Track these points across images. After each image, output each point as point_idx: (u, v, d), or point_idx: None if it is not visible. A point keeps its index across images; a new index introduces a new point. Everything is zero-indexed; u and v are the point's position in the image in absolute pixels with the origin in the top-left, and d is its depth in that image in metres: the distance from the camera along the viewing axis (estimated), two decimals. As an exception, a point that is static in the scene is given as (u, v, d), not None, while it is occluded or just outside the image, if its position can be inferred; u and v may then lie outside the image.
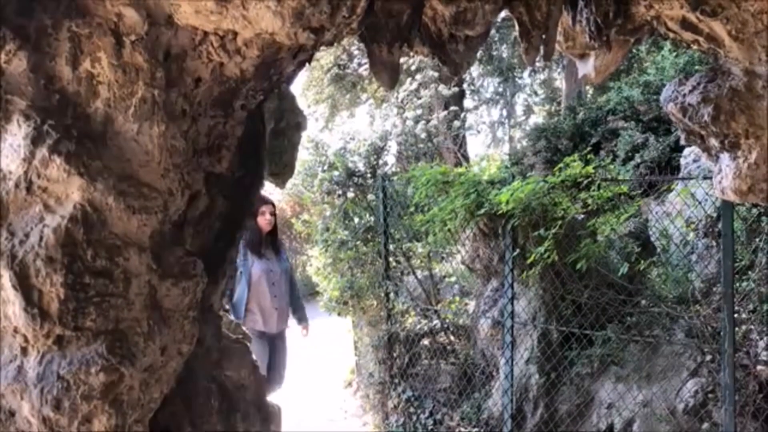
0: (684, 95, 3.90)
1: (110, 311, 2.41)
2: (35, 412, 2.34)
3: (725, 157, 3.86)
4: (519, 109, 22.32)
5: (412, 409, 6.73)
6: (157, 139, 2.48)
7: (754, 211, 5.28)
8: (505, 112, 22.33)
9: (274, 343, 6.45)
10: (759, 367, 4.66)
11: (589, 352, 5.62)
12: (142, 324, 2.52)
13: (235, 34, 2.47)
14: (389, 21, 2.93)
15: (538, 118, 19.20)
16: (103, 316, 2.39)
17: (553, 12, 3.55)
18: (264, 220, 6.18)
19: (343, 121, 17.78)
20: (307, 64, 3.20)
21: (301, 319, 6.80)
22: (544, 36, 3.62)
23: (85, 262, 2.37)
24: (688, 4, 3.45)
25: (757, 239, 5.14)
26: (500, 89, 21.53)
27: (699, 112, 3.78)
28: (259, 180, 3.38)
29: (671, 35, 3.89)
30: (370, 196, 7.74)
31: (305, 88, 17.96)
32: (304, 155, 8.01)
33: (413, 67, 10.47)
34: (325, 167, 7.84)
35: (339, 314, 7.87)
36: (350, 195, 7.81)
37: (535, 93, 22.16)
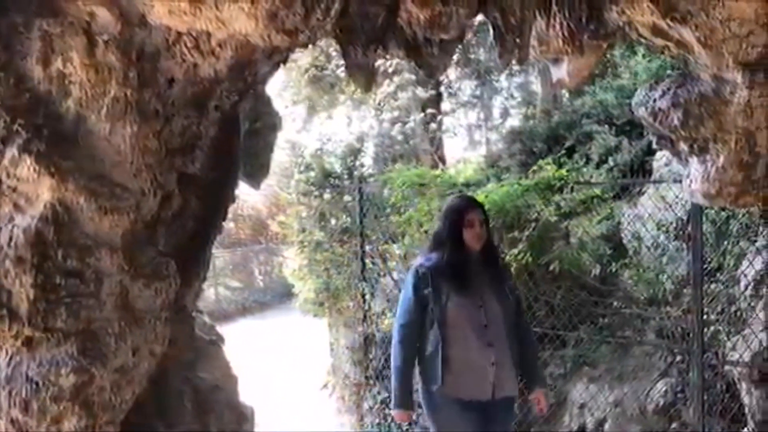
0: (654, 100, 3.96)
1: (81, 312, 2.40)
2: (3, 413, 2.32)
3: (694, 161, 3.93)
4: (496, 112, 22.46)
5: (387, 411, 6.73)
6: (129, 139, 2.48)
7: (723, 214, 5.37)
8: (482, 115, 22.45)
9: (488, 418, 3.88)
10: (727, 367, 4.75)
11: (562, 352, 5.68)
12: (114, 325, 2.51)
13: (209, 34, 2.47)
14: (364, 23, 2.94)
15: (514, 121, 19.33)
16: (73, 317, 2.38)
17: (527, 16, 3.60)
18: (473, 234, 3.84)
19: (320, 122, 17.75)
20: (282, 65, 3.21)
21: (535, 381, 4.17)
22: (518, 40, 3.66)
23: (55, 262, 2.36)
24: (658, 10, 3.52)
25: (726, 242, 5.24)
26: (477, 92, 21.64)
27: (669, 117, 3.85)
28: (234, 181, 3.38)
29: (643, 41, 3.96)
30: (347, 198, 7.75)
31: (282, 89, 17.86)
32: (280, 156, 8.00)
33: (390, 70, 10.51)
34: (302, 168, 7.84)
35: (315, 315, 7.86)
36: (327, 196, 7.81)
37: (512, 96, 22.31)
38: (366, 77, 3.06)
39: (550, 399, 5.04)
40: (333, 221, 7.79)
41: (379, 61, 10.25)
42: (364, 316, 7.32)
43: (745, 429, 4.61)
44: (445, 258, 3.65)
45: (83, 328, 2.40)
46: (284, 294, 10.63)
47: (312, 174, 7.74)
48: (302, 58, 16.69)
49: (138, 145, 2.51)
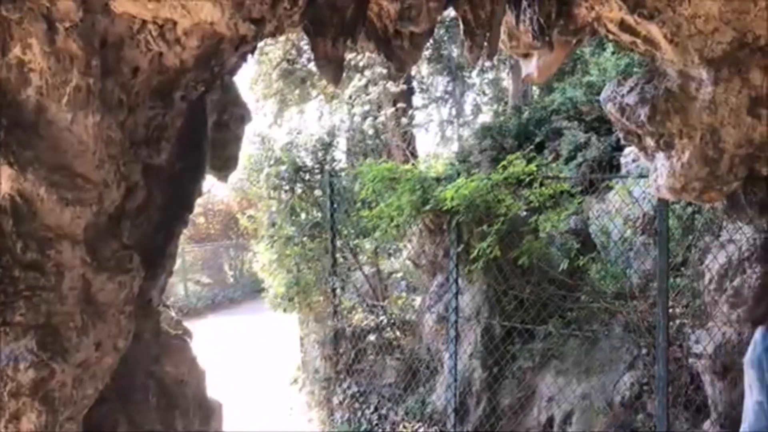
0: (622, 95, 4.00)
1: (41, 305, 2.34)
2: (-40, 410, 2.25)
3: (660, 156, 3.97)
4: (468, 109, 22.54)
5: (357, 405, 6.74)
6: (92, 129, 2.41)
7: (689, 209, 5.46)
8: (454, 111, 22.52)
9: None
10: (691, 360, 4.83)
11: (531, 346, 5.74)
12: (76, 318, 2.45)
13: (175, 23, 2.42)
14: (333, 15, 2.92)
15: (486, 118, 19.43)
16: (33, 311, 2.32)
17: (496, 11, 3.60)
18: None
19: (291, 117, 17.63)
20: (251, 56, 3.16)
21: None
22: (487, 34, 3.67)
23: (14, 254, 2.29)
24: (626, 6, 3.55)
25: (691, 237, 5.33)
26: (449, 88, 21.71)
27: (636, 112, 3.89)
28: (201, 173, 3.33)
29: (611, 37, 3.99)
30: (318, 192, 7.71)
31: (253, 82, 17.72)
32: (250, 150, 7.92)
33: (362, 64, 10.47)
34: (272, 162, 7.77)
35: (285, 311, 7.81)
36: (297, 190, 7.76)
37: (484, 93, 22.42)
38: (335, 69, 3.03)
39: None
40: (303, 216, 7.75)
41: (351, 55, 10.23)
42: (335, 311, 7.31)
43: (708, 420, 4.70)
44: None
45: (43, 322, 2.34)
46: (255, 290, 10.54)
47: (282, 168, 7.68)
48: (273, 51, 16.57)
49: (101, 135, 2.44)
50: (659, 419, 4.73)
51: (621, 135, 4.27)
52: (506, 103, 17.04)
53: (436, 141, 22.21)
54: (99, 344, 2.57)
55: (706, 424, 4.68)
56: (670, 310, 5.06)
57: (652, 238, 5.78)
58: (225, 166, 3.65)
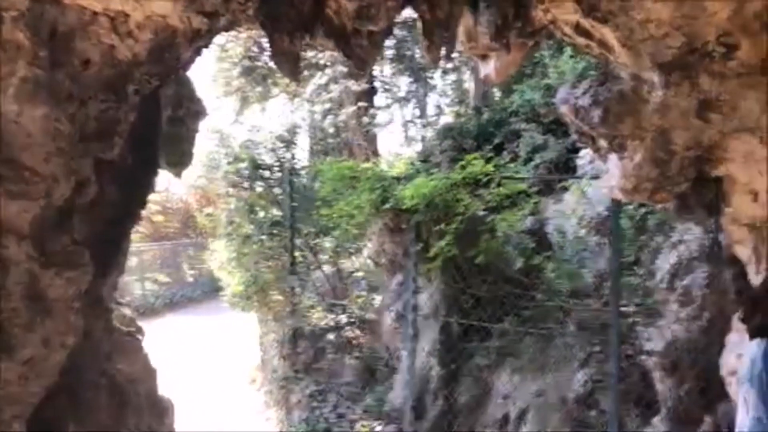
0: (577, 97, 4.07)
1: (-15, 302, 2.28)
2: None
3: (613, 157, 4.05)
4: (431, 109, 22.65)
5: (315, 404, 6.72)
6: (39, 122, 2.36)
7: (642, 210, 5.58)
8: (417, 112, 22.60)
9: None
10: (642, 357, 4.94)
11: (488, 344, 5.80)
12: (22, 315, 2.39)
13: (127, 15, 2.38)
14: (290, 11, 2.91)
15: (448, 119, 19.55)
16: (-24, 307, 2.26)
17: (454, 11, 3.63)
18: None
19: (253, 114, 17.46)
20: (207, 51, 3.13)
21: None
22: (446, 34, 3.70)
23: (-43, 249, 2.24)
24: (581, 10, 3.61)
25: (643, 237, 5.45)
26: (412, 88, 21.78)
27: (590, 114, 3.95)
28: (154, 168, 3.28)
29: (567, 39, 4.06)
30: (277, 190, 7.66)
31: (213, 78, 17.50)
32: (208, 146, 7.84)
33: (322, 61, 10.43)
34: (231, 159, 7.70)
35: (243, 309, 7.75)
36: (257, 188, 7.70)
37: (446, 94, 22.55)
38: (292, 65, 3.02)
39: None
40: (262, 214, 7.69)
41: (312, 53, 10.19)
42: (294, 310, 7.28)
43: (658, 416, 4.81)
44: None
45: (-12, 319, 2.29)
46: (214, 289, 10.43)
47: (242, 166, 7.62)
48: (234, 48, 16.39)
49: (49, 128, 2.39)
50: (611, 415, 4.82)
51: (576, 136, 4.34)
52: (468, 104, 17.16)
53: (400, 141, 22.27)
54: (46, 341, 2.51)
55: (656, 420, 4.79)
56: (623, 309, 5.16)
57: (605, 238, 5.89)
58: (180, 161, 3.60)
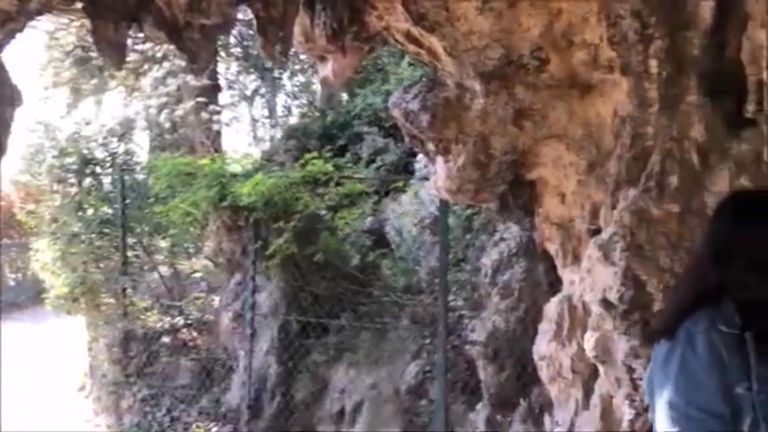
0: (407, 102, 4.26)
1: None
2: None
3: (440, 159, 4.30)
4: (282, 110, 22.52)
5: (148, 408, 6.48)
6: None
7: (469, 210, 5.95)
8: (266, 111, 22.38)
9: None
10: (467, 347, 5.28)
11: (325, 340, 5.92)
12: None
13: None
14: (114, -2, 2.83)
15: (296, 119, 19.56)
16: None
17: (289, 11, 3.69)
18: None
19: (89, 107, 16.41)
20: (28, 37, 2.95)
21: None
22: (281, 33, 3.75)
23: None
24: (411, 18, 3.80)
25: (469, 235, 5.82)
26: (259, 87, 21.53)
27: (419, 118, 4.16)
28: (-39, 159, 3.03)
29: (399, 46, 4.25)
30: (108, 186, 7.30)
31: (42, 68, 16.25)
32: (32, 139, 7.29)
33: (160, 54, 10.03)
34: (56, 153, 7.21)
35: (69, 312, 7.29)
36: (85, 184, 7.28)
37: (294, 95, 22.54)
38: (118, 55, 2.93)
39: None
40: (91, 211, 7.28)
41: (148, 45, 9.78)
42: (125, 312, 6.97)
43: (481, 402, 5.16)
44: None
45: None
46: (40, 292, 9.71)
47: (68, 159, 7.15)
48: (66, 36, 15.32)
49: None
50: (438, 403, 5.11)
51: (407, 139, 4.55)
52: (316, 106, 17.26)
53: (248, 141, 21.93)
54: None
55: (479, 405, 5.14)
56: (452, 303, 5.49)
57: (437, 236, 6.21)
58: (-8, 152, 3.34)
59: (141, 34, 3.59)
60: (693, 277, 1.85)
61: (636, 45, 2.97)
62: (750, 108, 2.80)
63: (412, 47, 4.12)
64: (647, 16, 2.93)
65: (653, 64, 2.96)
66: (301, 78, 21.75)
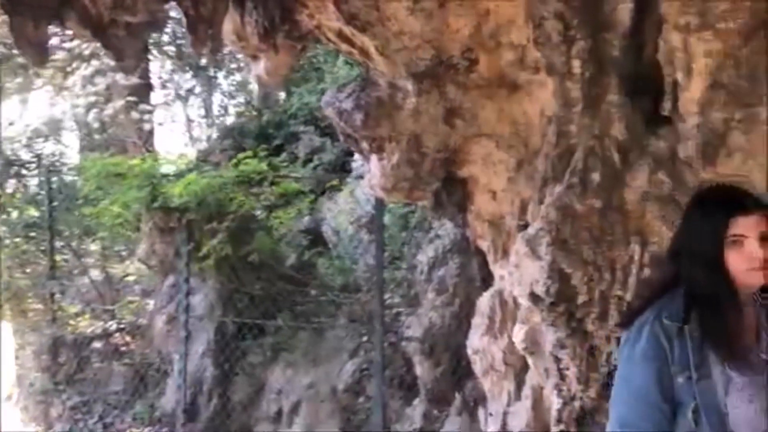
0: (341, 101, 4.28)
1: None
2: None
3: (374, 158, 4.32)
4: (218, 109, 22.14)
5: (79, 416, 6.29)
6: None
7: (405, 208, 6.01)
8: (202, 111, 21.96)
9: None
10: (404, 344, 5.34)
11: (262, 341, 5.88)
12: None
13: None
14: (36, -7, 2.75)
15: (233, 118, 19.29)
16: None
17: (218, 9, 3.65)
18: (751, 260, 1.70)
19: (13, 107, 15.75)
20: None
21: None
22: (211, 31, 3.71)
23: None
24: (343, 18, 3.81)
25: (405, 233, 5.88)
26: (194, 86, 21.11)
27: (352, 117, 4.18)
28: None
29: (332, 45, 4.26)
30: (34, 188, 7.04)
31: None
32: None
33: (88, 52, 9.71)
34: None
35: (-7, 319, 7.00)
36: (9, 186, 7.01)
37: (231, 95, 22.20)
38: (38, 52, 2.85)
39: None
40: (15, 214, 7.02)
41: (75, 42, 9.46)
42: (54, 318, 6.75)
43: (418, 397, 5.23)
44: (710, 305, 1.70)
45: None
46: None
47: (-10, 161, 6.89)
48: (-14, 32, 14.67)
49: None
50: (376, 400, 5.14)
51: (341, 138, 4.56)
52: (253, 105, 17.04)
53: (185, 141, 21.48)
54: None
55: (416, 401, 5.20)
56: (389, 300, 5.54)
57: (374, 234, 6.25)
58: None
59: (67, 32, 3.51)
60: (656, 271, 1.94)
61: (559, 46, 3.06)
62: (666, 107, 2.93)
63: (344, 46, 4.13)
64: (570, 18, 3.02)
65: (576, 64, 3.05)
66: (237, 77, 21.45)
